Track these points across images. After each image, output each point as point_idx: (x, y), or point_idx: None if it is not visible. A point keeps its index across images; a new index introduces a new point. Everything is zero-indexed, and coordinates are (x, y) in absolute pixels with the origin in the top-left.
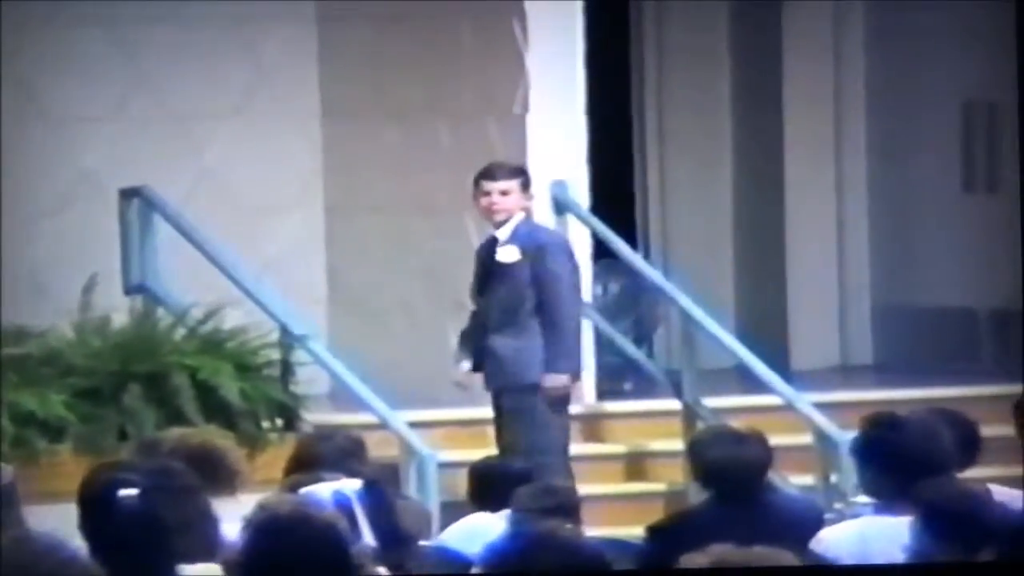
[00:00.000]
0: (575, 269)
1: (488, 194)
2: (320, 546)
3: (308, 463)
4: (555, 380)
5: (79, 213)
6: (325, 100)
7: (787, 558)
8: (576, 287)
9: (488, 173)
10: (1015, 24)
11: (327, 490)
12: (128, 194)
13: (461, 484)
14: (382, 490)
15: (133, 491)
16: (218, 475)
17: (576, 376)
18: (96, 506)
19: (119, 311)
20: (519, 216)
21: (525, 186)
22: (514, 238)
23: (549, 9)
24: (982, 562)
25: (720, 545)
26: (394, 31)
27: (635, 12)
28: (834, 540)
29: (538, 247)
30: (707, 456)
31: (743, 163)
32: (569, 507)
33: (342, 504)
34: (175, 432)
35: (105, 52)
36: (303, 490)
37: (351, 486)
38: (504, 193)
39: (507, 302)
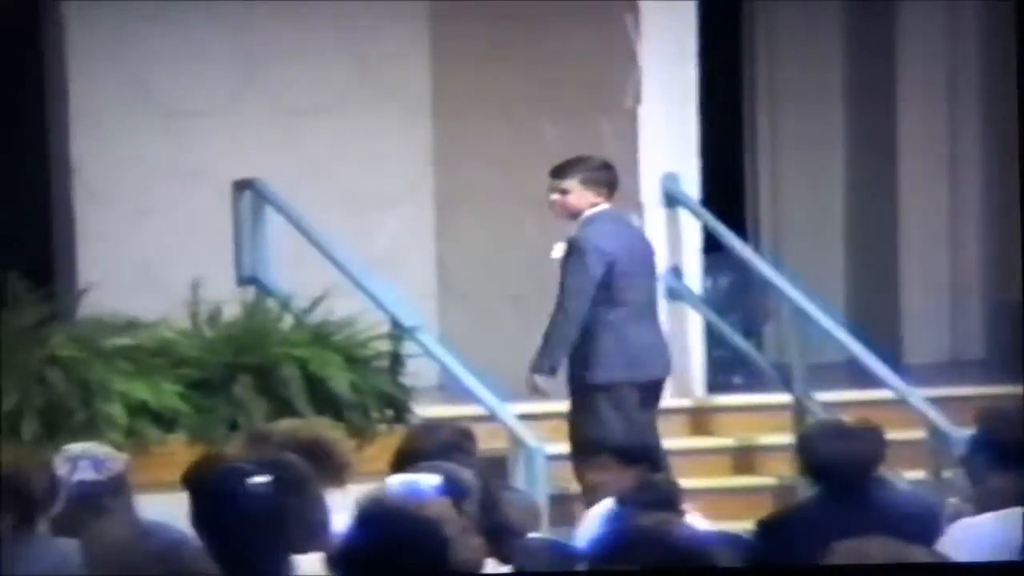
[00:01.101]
0: (578, 270)
1: (552, 191)
2: (422, 538)
3: (417, 455)
4: (527, 378)
5: (191, 205)
6: (436, 94)
7: (917, 554)
8: (571, 287)
9: (552, 171)
10: (1015, 24)
11: (435, 482)
12: (241, 186)
13: (569, 476)
14: (490, 482)
15: (259, 480)
16: (328, 467)
17: (548, 374)
18: (213, 497)
19: (230, 303)
20: (589, 212)
21: (587, 183)
22: (569, 236)
23: (662, 3)
24: (982, 562)
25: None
26: (505, 24)
27: (748, 6)
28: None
29: (567, 245)
30: (817, 450)
31: (855, 156)
32: (671, 501)
33: (450, 496)
34: (285, 423)
35: (217, 47)
36: (412, 481)
37: (458, 478)
38: (563, 192)
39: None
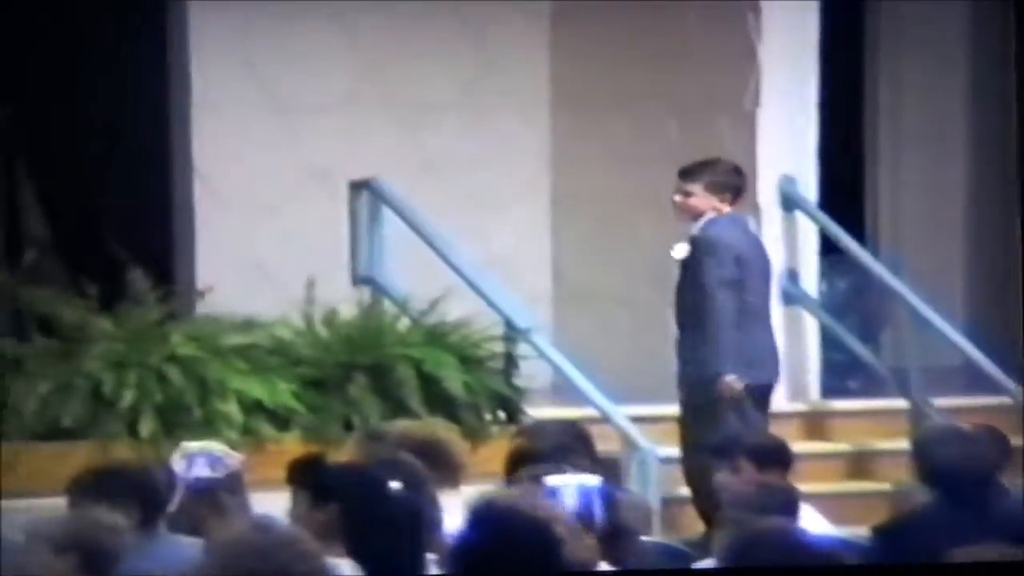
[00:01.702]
0: (712, 266)
1: (676, 192)
2: (534, 539)
3: (535, 455)
4: (722, 382)
5: (307, 204)
6: (554, 92)
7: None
8: (710, 284)
9: (680, 171)
10: (1015, 24)
11: (573, 483)
12: (357, 186)
13: (681, 479)
14: (605, 485)
15: (397, 485)
16: (443, 468)
17: (730, 376)
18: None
19: (346, 302)
20: (710, 215)
21: (712, 187)
22: (692, 235)
23: (784, 3)
24: (982, 562)
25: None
26: (625, 24)
27: (871, 6)
28: None
29: (691, 244)
30: (935, 455)
31: (977, 160)
32: (790, 506)
33: (569, 497)
34: (401, 424)
35: (334, 42)
36: (529, 484)
37: (575, 481)
38: (686, 194)
39: (678, 298)
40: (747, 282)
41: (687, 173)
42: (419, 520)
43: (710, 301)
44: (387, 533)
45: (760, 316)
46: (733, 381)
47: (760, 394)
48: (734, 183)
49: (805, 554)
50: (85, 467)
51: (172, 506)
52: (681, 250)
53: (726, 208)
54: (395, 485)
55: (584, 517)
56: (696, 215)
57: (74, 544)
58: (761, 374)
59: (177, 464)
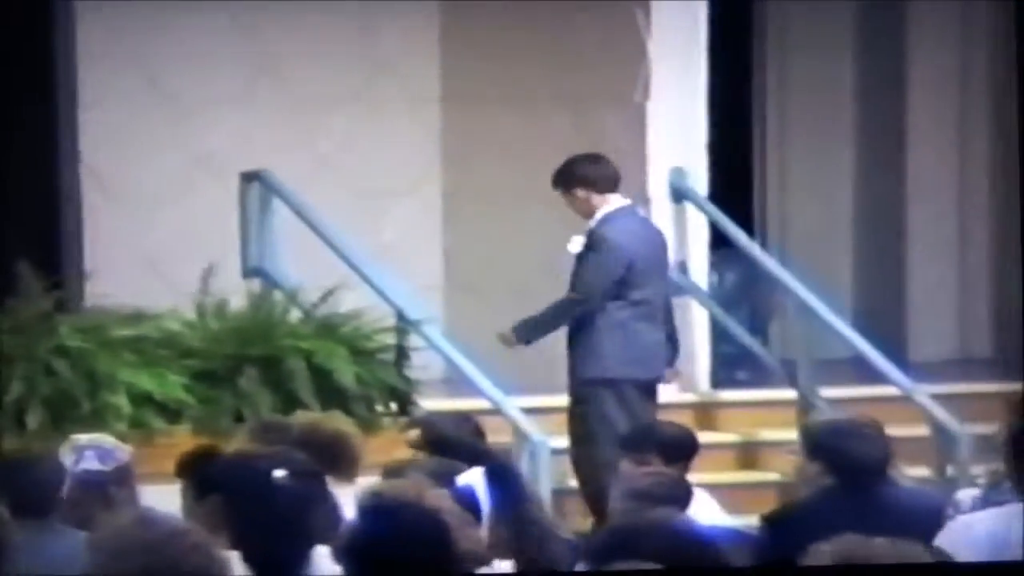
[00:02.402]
0: (597, 265)
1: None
2: (421, 532)
3: (427, 447)
4: (505, 333)
5: (199, 197)
6: (445, 86)
7: (915, 552)
8: (588, 281)
9: (552, 183)
10: (1015, 24)
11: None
12: (248, 177)
13: (572, 470)
14: (509, 477)
15: (282, 474)
16: (342, 463)
17: (523, 343)
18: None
19: (236, 294)
20: (607, 209)
21: (583, 184)
22: (588, 229)
23: None
24: (982, 562)
25: (849, 536)
26: (515, 18)
27: (758, 2)
28: (963, 533)
29: (586, 238)
30: (829, 448)
31: (864, 152)
32: (682, 497)
33: (466, 492)
34: (298, 417)
35: (227, 36)
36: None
37: (478, 472)
38: (570, 199)
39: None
40: (635, 280)
41: (555, 184)
42: (303, 510)
43: (579, 291)
44: (269, 524)
45: (648, 314)
46: (505, 334)
47: (646, 390)
48: (599, 173)
49: (686, 545)
50: None
51: (62, 499)
52: (576, 244)
53: (613, 199)
54: (278, 474)
55: (473, 508)
56: (589, 213)
57: None
58: (644, 371)
59: (66, 457)
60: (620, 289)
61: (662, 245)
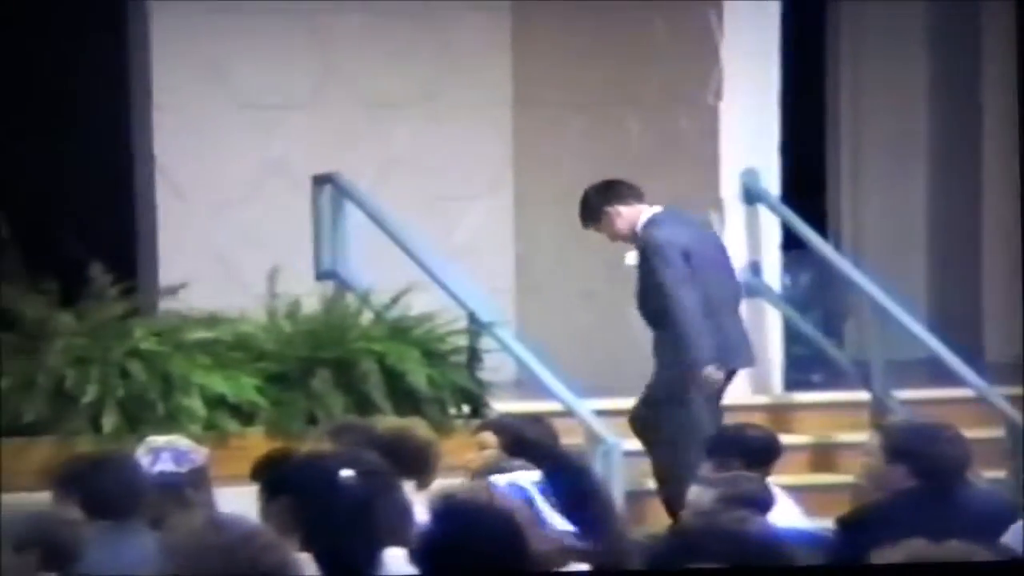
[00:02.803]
0: (663, 265)
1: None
2: (494, 534)
3: (513, 448)
4: (700, 375)
5: (270, 199)
6: (517, 89)
7: (982, 555)
8: (669, 283)
9: (582, 222)
10: (1015, 24)
11: (522, 479)
12: (320, 180)
13: (645, 472)
14: (579, 479)
15: (348, 474)
16: (418, 468)
17: (711, 363)
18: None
19: (309, 296)
20: (644, 218)
21: (611, 204)
22: (637, 242)
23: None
24: (982, 562)
25: (916, 540)
26: (587, 20)
27: (832, 2)
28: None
29: (639, 249)
30: (909, 448)
31: (939, 153)
32: (765, 501)
33: (549, 493)
34: (376, 420)
35: (298, 39)
36: (494, 478)
37: (541, 475)
38: (604, 229)
39: (641, 301)
40: (700, 274)
41: (584, 220)
42: (370, 510)
43: (671, 301)
44: (335, 523)
45: (724, 305)
46: (712, 372)
47: (727, 380)
48: (620, 188)
49: (756, 549)
50: (69, 458)
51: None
52: (632, 257)
53: (644, 208)
54: (345, 474)
55: (548, 512)
56: (630, 232)
57: (34, 541)
58: (737, 360)
59: (142, 459)
60: (690, 285)
61: (716, 239)
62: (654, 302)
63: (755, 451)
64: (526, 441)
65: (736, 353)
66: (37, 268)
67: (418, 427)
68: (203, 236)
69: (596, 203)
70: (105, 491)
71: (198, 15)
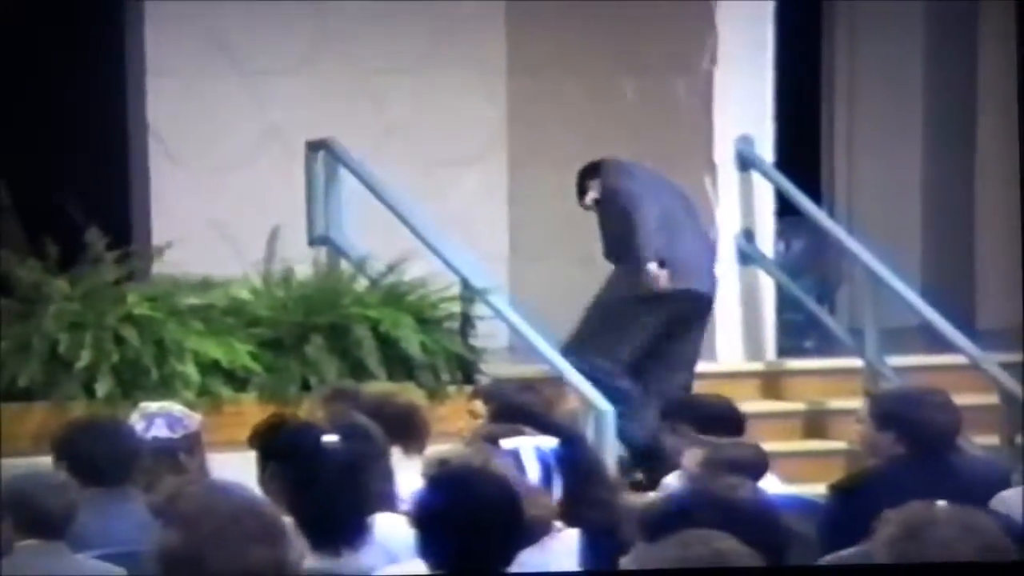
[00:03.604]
0: (620, 197)
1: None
2: (489, 500)
3: (509, 412)
4: (645, 273)
5: (265, 165)
6: (511, 55)
7: (978, 518)
8: (618, 213)
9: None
10: (1015, 24)
11: (530, 445)
12: (314, 146)
13: None
14: (583, 447)
15: (333, 439)
16: (411, 434)
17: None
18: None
19: (303, 263)
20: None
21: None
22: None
23: None
24: (982, 562)
25: (914, 503)
26: None
27: None
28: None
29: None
30: (902, 416)
31: (934, 119)
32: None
33: (543, 461)
34: (366, 386)
35: (295, 5)
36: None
37: (550, 443)
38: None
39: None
40: (657, 202)
41: (578, 197)
42: (355, 474)
43: (634, 215)
44: (320, 489)
45: (680, 228)
46: (654, 268)
47: (694, 306)
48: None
49: (748, 515)
50: (63, 424)
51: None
52: (590, 198)
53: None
54: (328, 439)
55: (541, 478)
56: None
57: (17, 504)
58: (691, 280)
59: (136, 424)
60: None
61: (674, 186)
62: (613, 242)
63: (711, 421)
64: (516, 407)
65: (690, 273)
66: (33, 233)
67: (404, 392)
68: (199, 202)
69: (582, 180)
70: (99, 457)
71: None
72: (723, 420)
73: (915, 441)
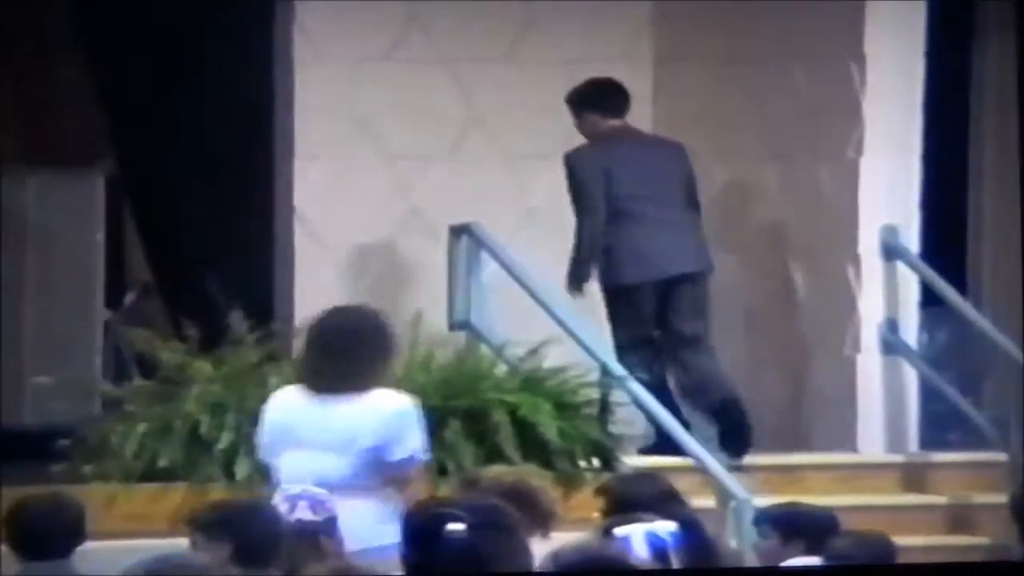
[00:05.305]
0: (575, 186)
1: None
2: None
3: (625, 504)
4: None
5: (406, 248)
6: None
7: None
8: (577, 204)
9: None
10: (1015, 24)
11: (641, 531)
12: (457, 230)
13: None
14: (700, 532)
15: (458, 527)
16: (534, 515)
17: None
18: (422, 540)
19: (442, 346)
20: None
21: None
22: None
23: (889, 54)
24: (982, 562)
25: None
26: (728, 73)
27: (978, 58)
28: None
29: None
30: None
31: None
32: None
33: (656, 546)
34: (494, 469)
35: (441, 91)
36: (617, 531)
37: (666, 527)
38: (579, 126)
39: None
40: (623, 191)
41: (568, 101)
42: (480, 563)
43: (577, 216)
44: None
45: (640, 214)
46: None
47: (659, 289)
48: (607, 95)
49: None
50: (214, 504)
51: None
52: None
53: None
54: (455, 527)
55: (654, 562)
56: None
57: None
58: (654, 270)
59: (280, 506)
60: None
61: (654, 157)
62: None
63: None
64: (631, 497)
65: (651, 261)
66: (176, 313)
67: (531, 474)
68: (340, 283)
69: (583, 99)
70: (252, 538)
71: (341, 64)
72: (808, 528)
73: None
